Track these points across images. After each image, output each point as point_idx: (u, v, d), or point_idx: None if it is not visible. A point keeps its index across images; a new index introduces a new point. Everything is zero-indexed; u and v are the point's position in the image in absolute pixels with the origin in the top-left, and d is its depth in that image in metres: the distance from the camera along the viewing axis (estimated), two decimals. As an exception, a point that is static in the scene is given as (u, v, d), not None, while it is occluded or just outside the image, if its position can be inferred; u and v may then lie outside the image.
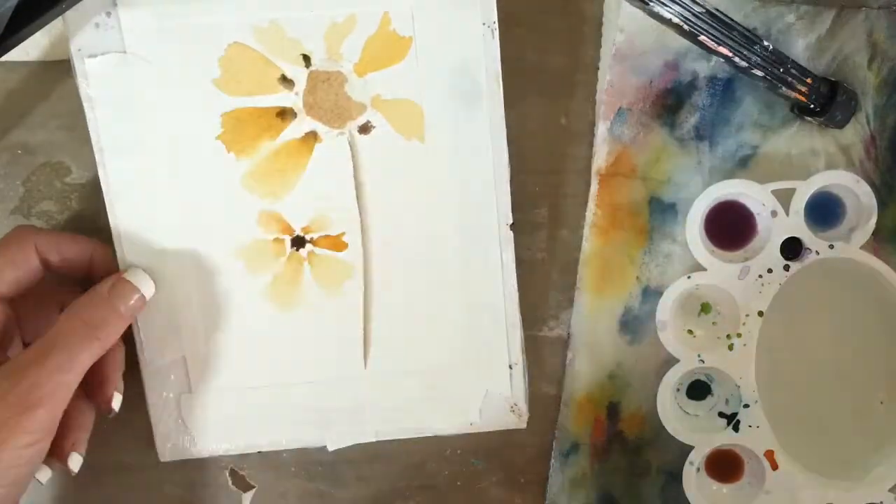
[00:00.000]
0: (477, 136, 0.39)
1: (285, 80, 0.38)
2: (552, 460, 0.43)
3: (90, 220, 0.39)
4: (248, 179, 0.38)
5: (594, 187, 0.41)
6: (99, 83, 0.36)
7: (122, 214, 0.37)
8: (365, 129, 0.38)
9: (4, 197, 0.39)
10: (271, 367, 0.40)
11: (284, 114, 0.38)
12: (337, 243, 0.39)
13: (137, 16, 0.36)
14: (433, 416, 0.41)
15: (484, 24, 0.38)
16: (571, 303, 0.42)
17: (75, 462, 0.35)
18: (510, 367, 0.40)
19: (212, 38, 0.37)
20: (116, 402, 0.36)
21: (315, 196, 0.39)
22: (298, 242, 0.39)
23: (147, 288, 0.36)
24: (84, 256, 0.36)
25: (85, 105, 0.36)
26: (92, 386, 0.35)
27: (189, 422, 0.40)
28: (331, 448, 0.41)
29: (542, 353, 0.42)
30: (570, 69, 0.41)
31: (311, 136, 0.38)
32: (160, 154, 0.37)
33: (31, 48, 0.37)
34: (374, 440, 0.41)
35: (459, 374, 0.40)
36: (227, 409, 0.40)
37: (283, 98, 0.38)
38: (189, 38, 0.37)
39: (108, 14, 0.36)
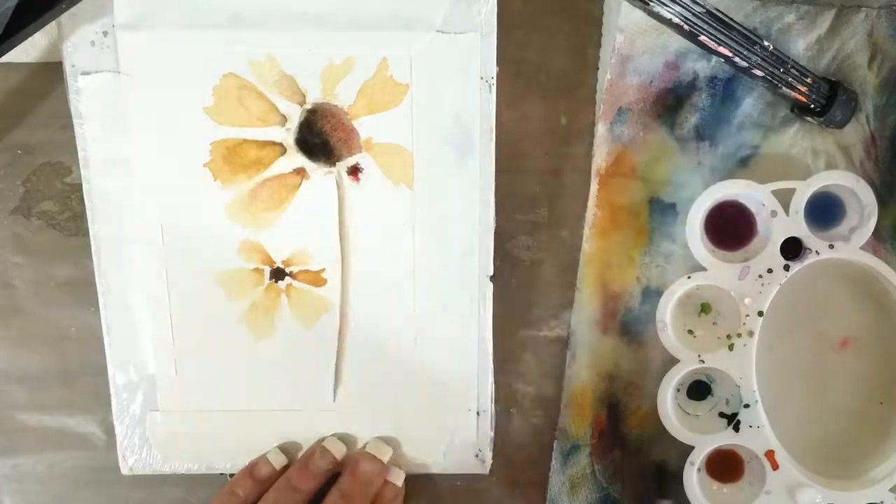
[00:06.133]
0: (465, 188, 0.39)
1: (278, 115, 0.38)
2: (552, 460, 0.43)
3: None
4: (232, 208, 0.38)
5: (594, 187, 0.41)
6: (90, 100, 0.37)
7: (103, 229, 0.38)
8: (354, 170, 0.38)
9: (4, 197, 0.39)
10: (241, 393, 0.40)
11: (274, 148, 0.38)
12: (316, 279, 0.39)
13: (134, 38, 0.36)
14: (397, 452, 0.41)
15: (482, 78, 0.38)
16: (571, 303, 0.42)
17: None
18: (477, 413, 0.41)
19: (207, 66, 0.37)
20: None
21: (298, 231, 0.39)
22: (278, 274, 0.39)
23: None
24: None
25: (75, 121, 0.37)
26: None
27: (153, 438, 0.40)
28: None
29: (542, 353, 0.42)
30: (570, 69, 0.41)
31: (300, 173, 0.38)
32: (146, 175, 0.37)
33: (31, 48, 0.37)
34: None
35: (426, 417, 0.41)
36: (192, 429, 0.40)
37: (275, 132, 0.38)
38: (184, 64, 0.37)
39: (105, 34, 0.36)
